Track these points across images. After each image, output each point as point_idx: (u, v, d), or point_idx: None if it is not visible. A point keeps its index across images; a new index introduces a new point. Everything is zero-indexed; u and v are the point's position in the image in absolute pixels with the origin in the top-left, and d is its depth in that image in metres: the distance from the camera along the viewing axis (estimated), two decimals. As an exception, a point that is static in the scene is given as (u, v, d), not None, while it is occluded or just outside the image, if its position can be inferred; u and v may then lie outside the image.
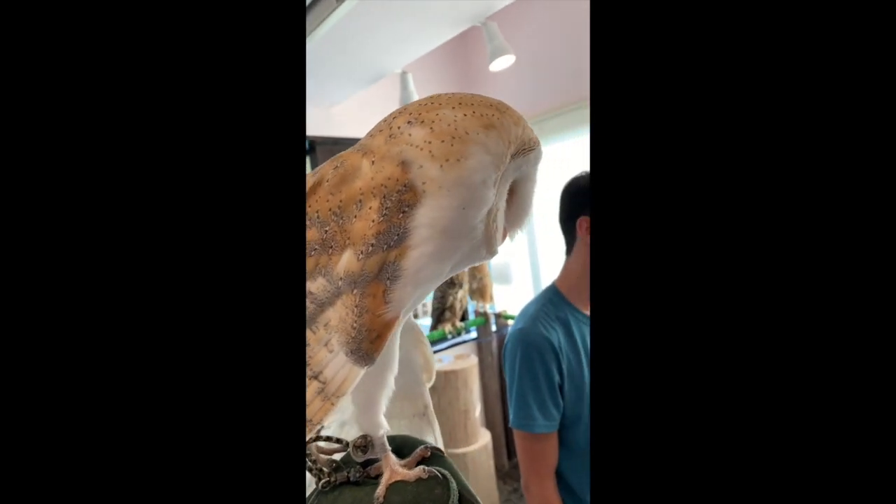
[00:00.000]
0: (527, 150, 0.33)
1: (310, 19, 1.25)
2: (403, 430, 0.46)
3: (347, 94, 1.91)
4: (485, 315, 2.37)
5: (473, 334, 2.39)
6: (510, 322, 2.39)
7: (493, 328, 2.40)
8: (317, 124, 2.02)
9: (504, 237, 0.36)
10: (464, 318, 2.31)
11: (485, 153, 0.29)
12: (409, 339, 0.45)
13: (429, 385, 0.47)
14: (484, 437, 2.10)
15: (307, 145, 1.96)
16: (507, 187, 0.34)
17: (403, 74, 1.87)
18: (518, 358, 0.89)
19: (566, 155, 2.13)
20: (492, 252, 0.34)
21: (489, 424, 2.35)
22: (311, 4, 1.24)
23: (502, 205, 0.34)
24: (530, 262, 2.33)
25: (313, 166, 1.99)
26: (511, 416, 0.89)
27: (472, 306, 2.40)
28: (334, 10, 1.20)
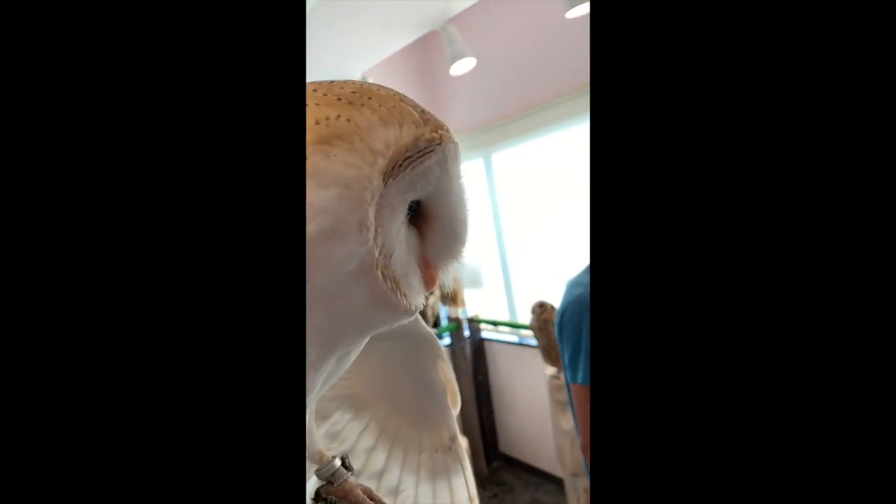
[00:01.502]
0: (422, 155, 0.22)
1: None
2: (423, 465, 0.36)
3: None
4: (457, 320, 2.35)
5: (447, 340, 2.37)
6: (483, 326, 2.39)
7: (467, 333, 2.39)
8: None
9: (433, 281, 0.25)
10: (436, 325, 2.29)
11: (320, 187, 0.20)
12: (426, 355, 0.35)
13: (455, 412, 0.36)
14: (461, 444, 2.07)
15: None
16: (404, 217, 0.23)
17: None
18: (586, 319, 0.90)
19: (531, 157, 2.14)
20: (403, 313, 0.24)
21: (466, 430, 2.33)
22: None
23: (405, 243, 0.23)
24: (501, 264, 2.33)
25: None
26: (581, 376, 0.91)
27: (444, 312, 2.38)
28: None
